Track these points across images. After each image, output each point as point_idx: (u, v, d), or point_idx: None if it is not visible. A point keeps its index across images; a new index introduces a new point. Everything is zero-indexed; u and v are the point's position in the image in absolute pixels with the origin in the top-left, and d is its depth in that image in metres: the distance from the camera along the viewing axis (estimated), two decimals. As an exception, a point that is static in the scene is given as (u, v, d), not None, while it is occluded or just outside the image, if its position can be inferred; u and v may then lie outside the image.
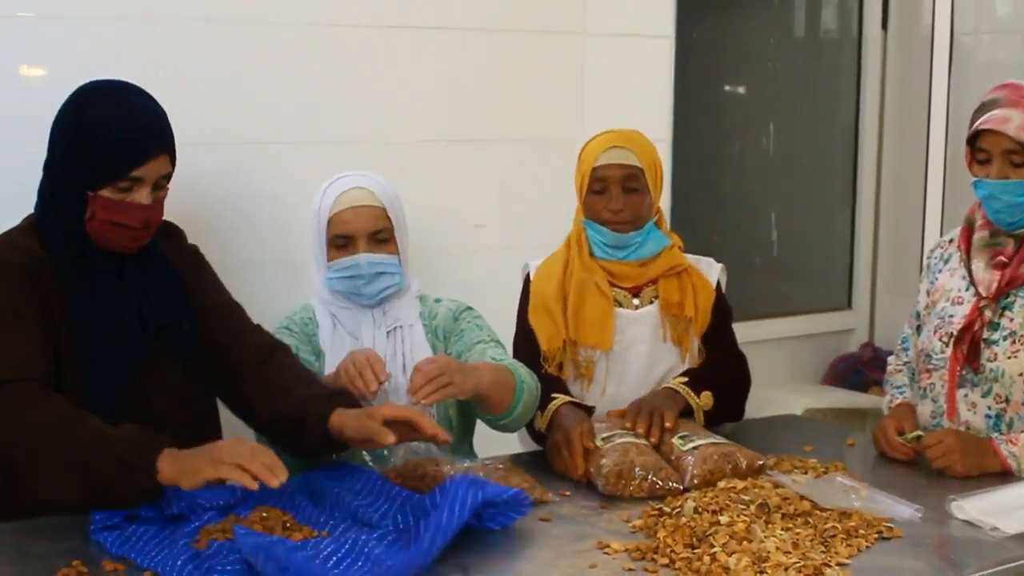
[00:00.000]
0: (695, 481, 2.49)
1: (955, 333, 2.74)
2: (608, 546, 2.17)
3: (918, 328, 2.94)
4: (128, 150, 2.40)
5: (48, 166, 2.49)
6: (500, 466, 2.53)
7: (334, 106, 3.38)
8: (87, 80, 2.50)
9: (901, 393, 2.95)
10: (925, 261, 3.00)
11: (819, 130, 5.25)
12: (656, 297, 3.00)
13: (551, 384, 2.88)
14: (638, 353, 2.96)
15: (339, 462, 2.58)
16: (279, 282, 3.22)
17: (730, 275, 3.15)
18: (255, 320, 2.74)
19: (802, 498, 2.34)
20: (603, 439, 2.60)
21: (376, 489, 2.42)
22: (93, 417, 2.29)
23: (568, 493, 2.50)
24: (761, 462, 2.57)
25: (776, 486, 2.41)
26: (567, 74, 3.79)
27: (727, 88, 5.19)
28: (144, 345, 2.49)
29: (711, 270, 3.08)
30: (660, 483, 2.46)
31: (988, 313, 2.72)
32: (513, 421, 2.75)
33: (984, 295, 2.73)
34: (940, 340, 2.78)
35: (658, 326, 2.98)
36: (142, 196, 2.42)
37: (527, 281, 3.08)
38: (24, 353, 2.33)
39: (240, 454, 2.23)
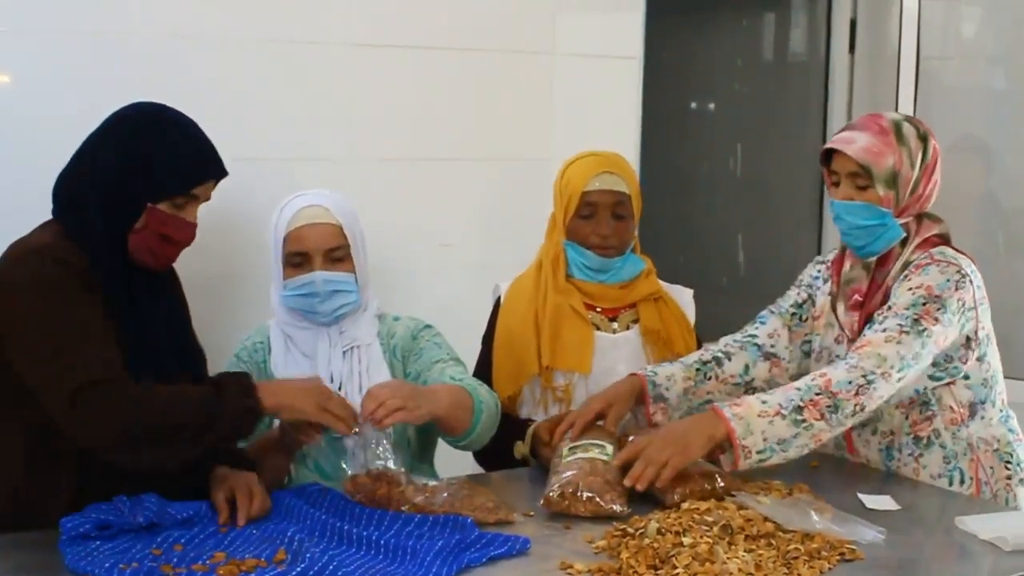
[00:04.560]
0: (676, 498, 2.47)
1: None
2: (571, 567, 2.16)
3: (792, 315, 2.96)
4: (194, 167, 2.50)
5: (94, 177, 2.46)
6: (464, 485, 2.53)
7: (302, 123, 3.38)
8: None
9: (663, 366, 2.89)
10: (804, 273, 3.03)
11: (786, 152, 5.28)
12: (634, 321, 3.01)
13: (505, 421, 2.87)
14: (619, 375, 2.94)
15: (304, 484, 2.59)
16: (246, 298, 3.20)
17: (697, 296, 3.17)
18: (220, 334, 2.75)
19: (765, 520, 2.35)
20: (569, 449, 2.59)
21: (341, 507, 2.43)
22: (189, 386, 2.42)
23: (532, 513, 2.49)
24: (736, 483, 2.57)
25: (740, 507, 2.41)
26: (536, 94, 3.80)
27: (695, 109, 5.21)
28: (177, 362, 2.53)
29: (684, 298, 3.11)
30: (603, 505, 2.43)
31: None
32: (472, 442, 2.75)
33: (851, 337, 2.78)
34: None
35: (639, 350, 2.99)
36: (191, 215, 2.52)
37: (497, 305, 3.08)
38: (110, 354, 2.34)
39: (326, 396, 2.46)
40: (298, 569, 2.08)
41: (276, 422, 2.71)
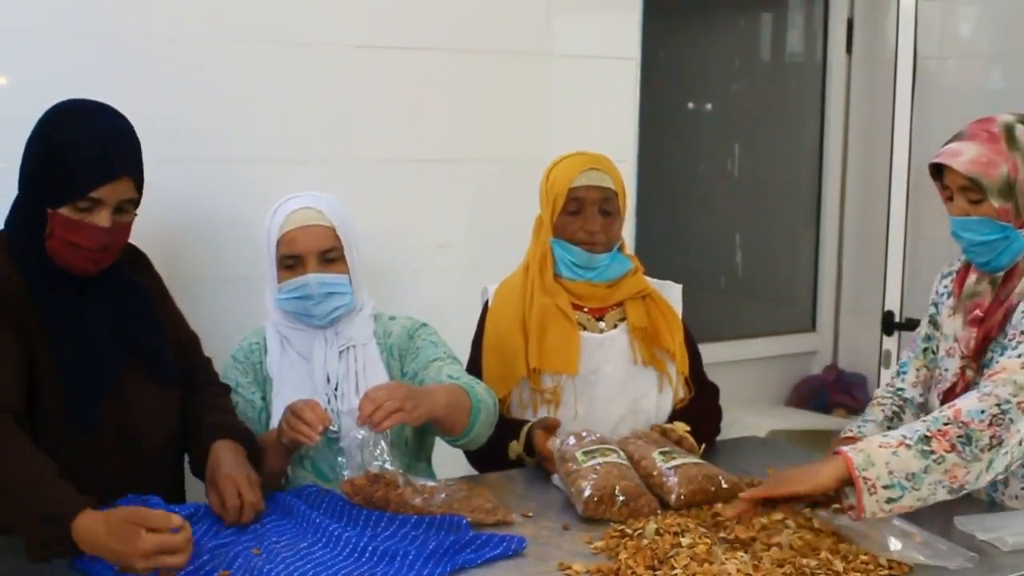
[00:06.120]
0: (681, 499, 2.49)
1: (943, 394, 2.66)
2: (570, 567, 2.16)
3: (924, 351, 2.85)
4: (89, 169, 2.37)
5: (19, 182, 2.47)
6: (463, 486, 2.53)
7: (299, 124, 3.37)
8: (49, 97, 2.49)
9: (860, 428, 2.77)
10: (933, 288, 2.85)
11: (783, 153, 5.28)
12: (621, 320, 3.00)
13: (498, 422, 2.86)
14: (607, 375, 2.95)
15: (303, 486, 2.60)
16: (243, 299, 3.19)
17: (694, 297, 3.16)
18: (217, 337, 2.73)
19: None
20: (584, 453, 2.58)
21: (339, 509, 2.44)
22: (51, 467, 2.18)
23: (531, 514, 2.49)
24: (742, 484, 2.55)
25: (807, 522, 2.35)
26: (533, 95, 3.80)
27: (692, 110, 5.21)
28: (122, 361, 2.47)
29: (673, 294, 3.10)
30: (640, 509, 2.44)
31: (971, 373, 2.61)
32: (470, 441, 2.74)
33: (965, 354, 2.63)
34: (938, 398, 2.68)
35: (625, 349, 2.98)
36: (101, 218, 2.39)
37: (485, 308, 3.08)
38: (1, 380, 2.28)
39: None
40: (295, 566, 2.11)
41: (273, 423, 2.71)
